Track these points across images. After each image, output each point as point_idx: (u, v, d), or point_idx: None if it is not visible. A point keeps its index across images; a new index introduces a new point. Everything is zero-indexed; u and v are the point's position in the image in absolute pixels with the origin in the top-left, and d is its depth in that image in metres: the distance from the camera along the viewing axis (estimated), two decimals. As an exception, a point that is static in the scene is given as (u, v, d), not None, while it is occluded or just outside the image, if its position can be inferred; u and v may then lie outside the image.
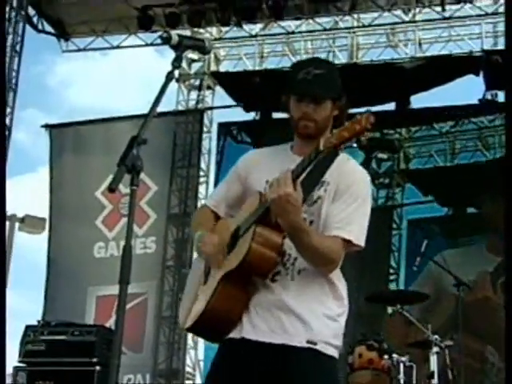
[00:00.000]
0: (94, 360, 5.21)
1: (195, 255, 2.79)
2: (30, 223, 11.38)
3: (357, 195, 2.55)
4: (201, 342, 8.65)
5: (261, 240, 2.43)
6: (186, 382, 8.67)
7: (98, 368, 5.17)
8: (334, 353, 2.52)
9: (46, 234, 9.66)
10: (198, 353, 8.83)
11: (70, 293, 8.98)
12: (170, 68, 2.23)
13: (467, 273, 5.88)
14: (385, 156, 8.63)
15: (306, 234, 2.42)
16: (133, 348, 8.30)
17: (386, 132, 8.51)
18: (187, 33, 8.90)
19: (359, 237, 2.52)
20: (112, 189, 1.98)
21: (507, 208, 2.60)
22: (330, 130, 2.56)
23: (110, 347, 5.41)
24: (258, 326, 2.49)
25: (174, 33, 2.27)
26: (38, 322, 5.69)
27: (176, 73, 2.32)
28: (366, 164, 6.61)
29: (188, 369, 8.70)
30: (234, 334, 2.50)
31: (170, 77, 2.21)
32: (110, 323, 7.98)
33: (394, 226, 8.50)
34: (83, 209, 9.18)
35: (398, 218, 8.52)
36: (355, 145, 2.49)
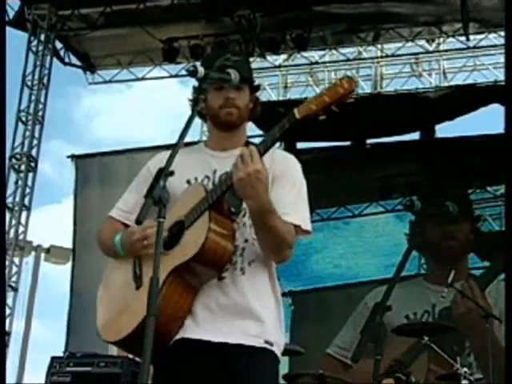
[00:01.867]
0: (118, 393, 5.22)
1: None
2: (55, 254, 11.47)
3: (294, 181, 2.48)
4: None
5: (217, 228, 2.29)
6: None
7: (122, 400, 5.17)
8: (279, 354, 2.45)
9: (69, 264, 9.67)
10: None
11: (93, 324, 8.94)
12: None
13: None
14: None
15: (272, 216, 2.30)
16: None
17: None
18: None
19: (307, 222, 2.44)
20: (139, 221, 1.97)
21: (507, 207, 2.58)
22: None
23: (134, 379, 5.40)
24: (207, 326, 2.32)
25: (200, 65, 2.28)
26: (64, 353, 5.68)
27: (201, 105, 2.32)
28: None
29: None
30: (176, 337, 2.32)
31: (195, 109, 2.23)
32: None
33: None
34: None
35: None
36: None
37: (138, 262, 2.40)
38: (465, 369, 4.96)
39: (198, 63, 2.36)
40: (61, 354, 5.69)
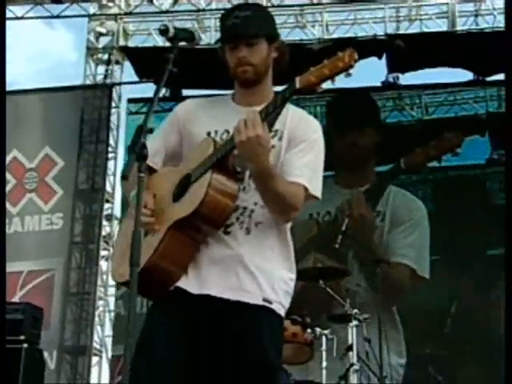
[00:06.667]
0: (22, 337, 5.19)
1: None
2: None
3: (313, 145, 2.48)
4: (108, 318, 8.70)
5: (218, 186, 2.31)
6: (93, 357, 8.65)
7: (25, 345, 5.15)
8: (284, 313, 2.47)
9: None
10: (105, 329, 8.82)
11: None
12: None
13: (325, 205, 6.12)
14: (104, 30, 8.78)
15: (273, 179, 2.32)
16: (40, 325, 8.21)
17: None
18: (95, 6, 8.81)
19: (317, 187, 2.46)
20: (124, 176, 2.03)
21: (507, 205, 2.70)
22: (273, 74, 2.52)
23: (37, 325, 5.39)
24: (211, 280, 2.37)
25: (171, 25, 2.33)
26: (-39, 300, 5.56)
27: (171, 63, 2.37)
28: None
29: (95, 345, 8.68)
30: (178, 284, 2.37)
31: (166, 67, 2.28)
32: (16, 300, 7.89)
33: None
34: (-16, 184, 8.94)
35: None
36: None
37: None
38: (355, 310, 5.32)
39: (169, 24, 2.39)
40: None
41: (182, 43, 2.41)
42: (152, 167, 2.48)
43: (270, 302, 2.40)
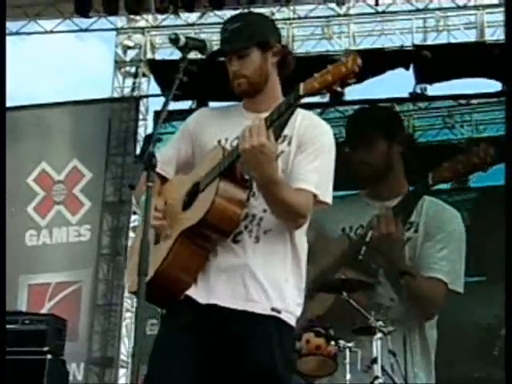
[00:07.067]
0: (46, 349, 5.21)
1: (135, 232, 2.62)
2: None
3: (322, 149, 2.44)
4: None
5: (225, 194, 2.30)
6: (120, 370, 8.68)
7: (49, 357, 5.17)
8: (294, 323, 2.44)
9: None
10: (132, 341, 8.84)
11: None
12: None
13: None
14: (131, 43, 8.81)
15: (278, 187, 2.29)
16: (68, 337, 8.24)
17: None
18: (123, 20, 8.88)
19: (326, 192, 2.42)
20: (133, 186, 2.03)
21: (507, 203, 2.67)
22: (280, 79, 2.50)
23: (60, 336, 5.42)
24: (218, 290, 2.35)
25: (181, 34, 2.33)
26: (-14, 311, 5.61)
27: (181, 73, 2.36)
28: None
29: (122, 357, 8.70)
30: (187, 293, 2.36)
31: (177, 77, 2.28)
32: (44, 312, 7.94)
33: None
34: (14, 196, 9.00)
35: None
36: None
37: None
38: (380, 322, 5.26)
39: (180, 33, 2.39)
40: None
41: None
42: (165, 176, 2.49)
43: (279, 312, 2.37)
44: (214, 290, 2.35)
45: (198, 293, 2.36)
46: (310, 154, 2.41)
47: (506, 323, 2.48)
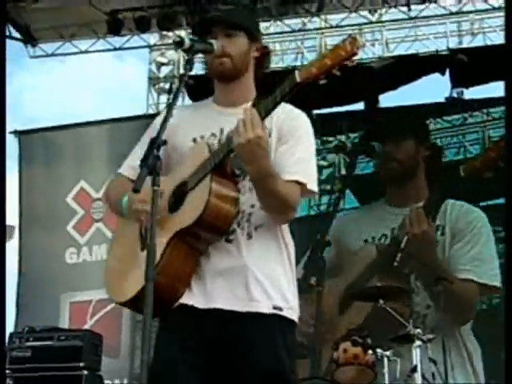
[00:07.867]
0: (82, 364, 5.22)
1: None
2: (-2, 231, 11.17)
3: (302, 139, 2.41)
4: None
5: (219, 192, 2.24)
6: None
7: (85, 372, 5.17)
8: (296, 318, 2.40)
9: (14, 241, 9.55)
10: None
11: (43, 300, 8.90)
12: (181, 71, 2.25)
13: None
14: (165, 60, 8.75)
15: (274, 180, 2.25)
16: (110, 353, 8.25)
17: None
18: (156, 37, 8.93)
19: (312, 181, 2.38)
20: (136, 190, 2.00)
21: (507, 200, 2.62)
22: (254, 76, 2.45)
23: (96, 352, 5.42)
24: (217, 293, 2.30)
25: (186, 36, 2.30)
26: (23, 328, 5.65)
27: (187, 75, 2.34)
28: (350, 168, 6.50)
29: (165, 372, 8.67)
30: (183, 301, 2.30)
31: (182, 79, 2.25)
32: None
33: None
34: (54, 215, 9.11)
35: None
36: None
37: (144, 223, 2.32)
38: (418, 330, 5.16)
39: (183, 34, 2.37)
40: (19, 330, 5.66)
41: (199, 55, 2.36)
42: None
43: (281, 309, 2.34)
44: (212, 293, 2.31)
45: (196, 298, 2.31)
46: (293, 145, 2.37)
47: (505, 321, 2.39)
